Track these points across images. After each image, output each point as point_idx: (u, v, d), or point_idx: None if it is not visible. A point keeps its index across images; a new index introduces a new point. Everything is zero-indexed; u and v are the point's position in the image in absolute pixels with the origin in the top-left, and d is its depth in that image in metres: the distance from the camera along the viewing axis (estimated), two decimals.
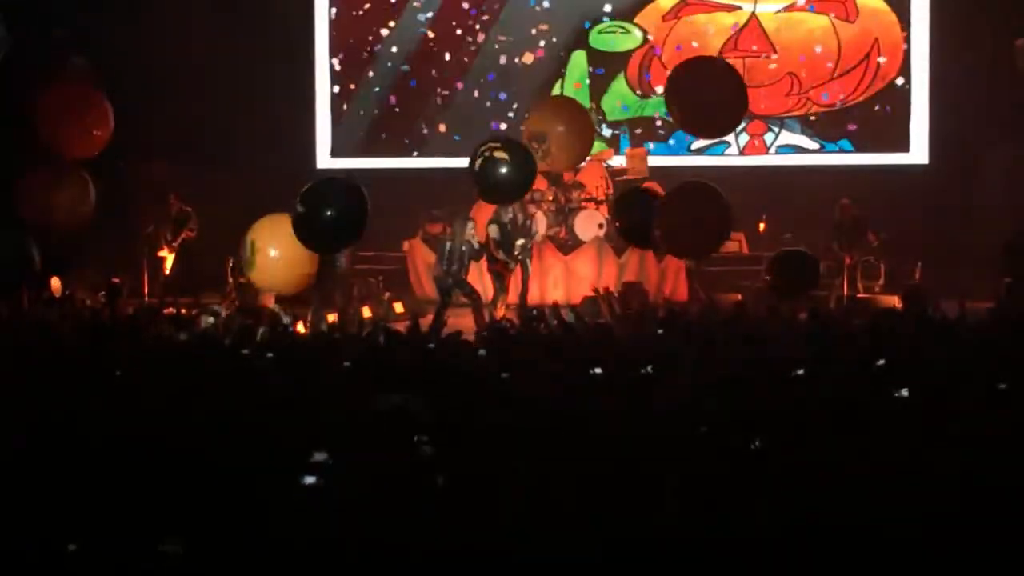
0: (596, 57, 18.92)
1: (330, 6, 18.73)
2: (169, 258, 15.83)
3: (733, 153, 18.84)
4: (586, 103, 18.44)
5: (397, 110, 18.85)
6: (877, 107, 18.60)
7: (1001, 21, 17.20)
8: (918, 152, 18.47)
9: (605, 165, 17.29)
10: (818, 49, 18.61)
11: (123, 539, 5.06)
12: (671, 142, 18.84)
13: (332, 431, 6.74)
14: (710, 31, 18.71)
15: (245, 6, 17.51)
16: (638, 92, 18.92)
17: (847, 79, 18.62)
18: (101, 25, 16.53)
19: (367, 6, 18.75)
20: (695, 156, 18.72)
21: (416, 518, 5.26)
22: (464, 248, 13.71)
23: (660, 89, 18.42)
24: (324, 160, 18.66)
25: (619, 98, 18.94)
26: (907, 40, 18.49)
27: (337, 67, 18.83)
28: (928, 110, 18.37)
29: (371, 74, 18.86)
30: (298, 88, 18.32)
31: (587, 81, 18.92)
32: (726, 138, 18.59)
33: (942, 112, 18.01)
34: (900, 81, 18.53)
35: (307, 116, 18.36)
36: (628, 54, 18.87)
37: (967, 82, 17.51)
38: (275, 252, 12.57)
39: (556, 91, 18.74)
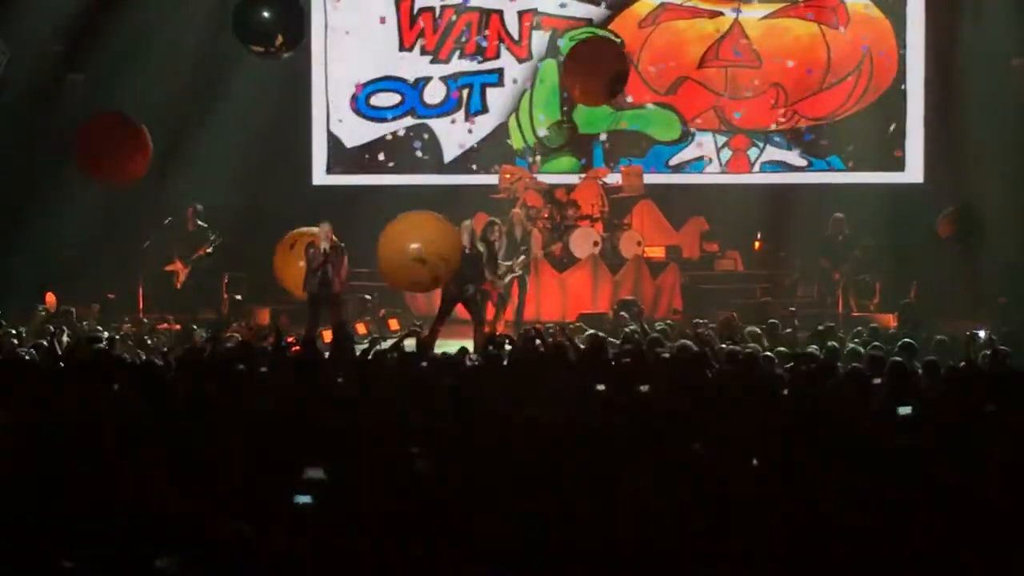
0: None
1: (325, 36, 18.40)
2: (182, 273, 15.90)
3: (715, 170, 17.96)
4: (556, 115, 18.03)
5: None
6: (870, 122, 17.63)
7: (999, 34, 16.73)
8: (913, 171, 17.53)
9: (600, 183, 17.26)
10: (807, 64, 17.64)
11: (118, 556, 5.05)
12: (613, 141, 18.17)
13: (325, 445, 6.73)
14: (689, 39, 17.76)
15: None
16: (612, 104, 17.38)
17: (837, 91, 17.60)
18: (98, 44, 16.55)
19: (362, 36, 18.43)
20: (676, 174, 17.92)
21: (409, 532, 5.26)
22: (481, 251, 13.76)
23: (635, 101, 17.90)
24: (320, 176, 18.52)
25: (592, 110, 17.59)
26: (902, 49, 17.52)
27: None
28: (923, 125, 17.39)
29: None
30: (294, 105, 18.26)
31: (557, 92, 17.95)
32: (707, 154, 17.96)
33: (939, 128, 17.08)
34: (894, 94, 17.56)
35: (303, 132, 18.29)
36: None
37: (965, 96, 16.69)
38: None
39: (525, 103, 18.05)
